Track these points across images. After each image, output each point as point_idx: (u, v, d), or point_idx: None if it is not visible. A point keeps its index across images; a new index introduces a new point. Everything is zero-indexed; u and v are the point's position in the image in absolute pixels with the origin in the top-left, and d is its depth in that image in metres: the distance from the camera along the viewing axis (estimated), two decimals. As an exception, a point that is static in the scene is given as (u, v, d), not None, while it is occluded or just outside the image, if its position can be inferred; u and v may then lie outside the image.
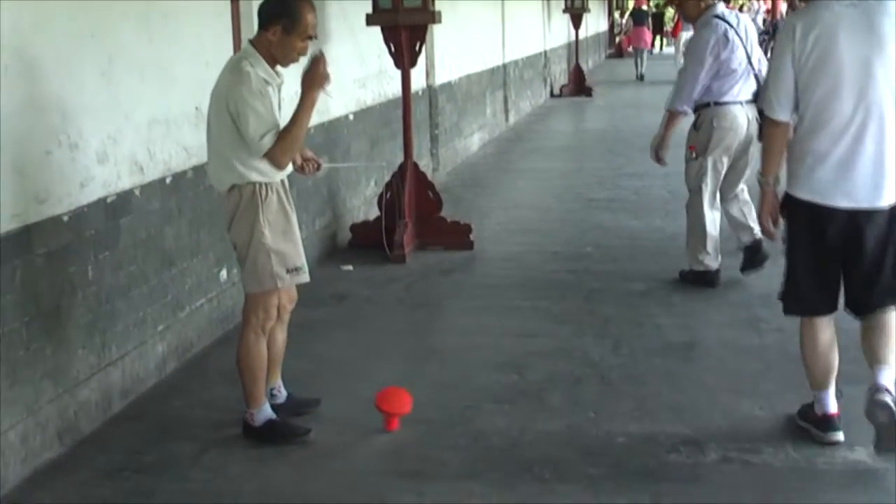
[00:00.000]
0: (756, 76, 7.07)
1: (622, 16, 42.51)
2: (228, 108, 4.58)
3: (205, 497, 4.42)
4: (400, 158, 8.99)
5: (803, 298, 4.71)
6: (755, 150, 6.86)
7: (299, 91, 4.69)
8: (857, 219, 4.49)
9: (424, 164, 10.50)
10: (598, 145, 15.33)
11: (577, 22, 24.07)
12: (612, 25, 42.55)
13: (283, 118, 4.69)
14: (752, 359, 5.88)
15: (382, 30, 8.50)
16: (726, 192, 7.38)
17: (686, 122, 7.47)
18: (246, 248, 4.76)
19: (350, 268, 8.12)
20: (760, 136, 5.37)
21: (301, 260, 4.88)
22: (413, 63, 8.73)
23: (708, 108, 7.14)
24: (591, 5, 25.64)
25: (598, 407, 5.26)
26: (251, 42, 4.73)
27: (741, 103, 7.09)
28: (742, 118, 7.08)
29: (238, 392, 5.08)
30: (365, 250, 8.50)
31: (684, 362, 5.89)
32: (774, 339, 6.08)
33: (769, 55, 6.85)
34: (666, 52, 37.83)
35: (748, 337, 6.24)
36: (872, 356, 4.63)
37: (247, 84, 4.55)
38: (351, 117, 9.12)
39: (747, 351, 6.01)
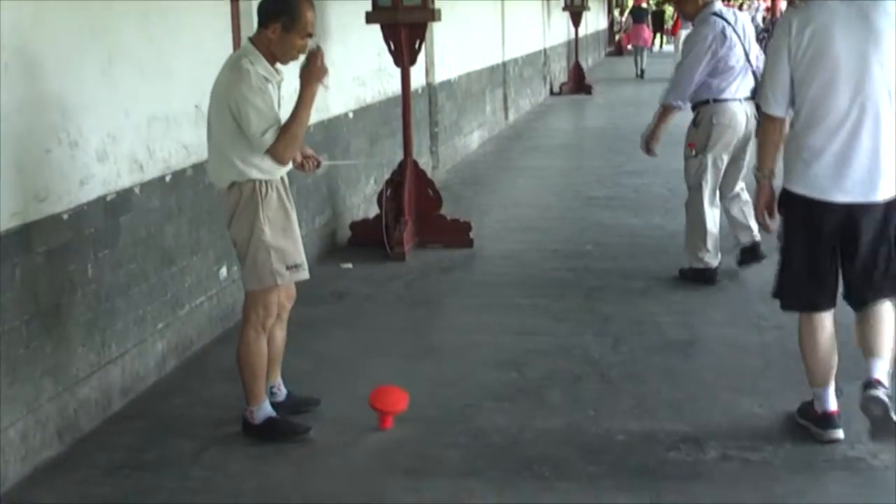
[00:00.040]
0: (754, 73, 7.08)
1: (622, 14, 42.50)
2: (229, 106, 4.59)
3: (205, 495, 4.42)
4: (400, 156, 8.99)
5: (801, 293, 4.73)
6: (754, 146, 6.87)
7: (298, 87, 4.70)
8: (854, 213, 4.51)
9: (424, 162, 10.51)
10: (597, 143, 15.33)
11: (576, 20, 24.07)
12: (611, 23, 42.54)
13: (284, 115, 4.69)
14: (752, 356, 5.88)
15: (382, 28, 8.50)
16: (725, 189, 7.39)
17: (683, 118, 7.48)
18: (246, 246, 4.77)
19: (350, 266, 8.12)
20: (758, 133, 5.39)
21: (301, 257, 4.88)
22: (413, 61, 8.73)
23: (707, 105, 7.16)
24: (590, 3, 25.64)
25: (597, 405, 5.26)
26: (251, 40, 4.74)
27: (740, 100, 7.11)
28: (741, 115, 7.09)
29: (238, 390, 5.08)
30: (365, 248, 8.50)
31: (684, 360, 5.89)
32: (774, 337, 6.08)
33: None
34: (666, 49, 37.84)
35: (748, 334, 6.24)
36: (866, 348, 4.68)
37: (246, 81, 4.56)
38: (351, 115, 9.12)
39: (747, 348, 6.01)
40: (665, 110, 7.42)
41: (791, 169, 4.64)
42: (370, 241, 8.50)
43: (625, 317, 6.69)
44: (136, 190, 5.49)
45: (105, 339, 5.21)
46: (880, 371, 4.63)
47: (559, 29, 24.59)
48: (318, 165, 5.26)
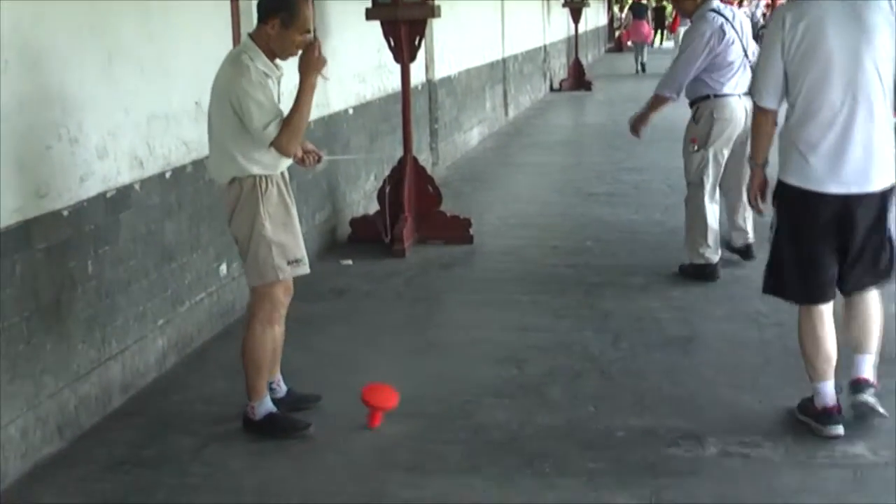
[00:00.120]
0: (752, 69, 7.10)
1: (621, 10, 42.49)
2: (230, 102, 4.59)
3: (205, 491, 4.42)
4: (399, 153, 8.99)
5: (796, 285, 4.76)
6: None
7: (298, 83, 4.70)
8: (850, 203, 4.57)
9: (424, 159, 10.50)
10: (597, 139, 15.33)
11: (576, 16, 24.07)
12: (611, 20, 42.54)
13: (284, 111, 4.69)
14: (752, 353, 5.89)
15: (382, 24, 8.49)
16: (725, 185, 7.43)
17: (680, 115, 7.49)
18: (247, 241, 4.78)
19: (350, 262, 8.12)
20: None
21: (301, 252, 4.89)
22: (412, 57, 8.73)
23: (707, 101, 7.20)
24: (590, 0, 25.61)
25: (597, 401, 5.26)
26: (250, 36, 4.74)
27: (739, 95, 7.14)
28: (740, 110, 7.12)
29: (238, 386, 5.09)
30: (365, 245, 8.50)
31: (684, 356, 5.89)
32: (774, 334, 6.08)
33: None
34: (666, 46, 37.81)
35: (748, 331, 6.24)
36: (853, 343, 4.79)
37: (246, 76, 4.57)
38: (350, 111, 9.12)
39: (747, 345, 6.01)
40: (657, 99, 7.51)
41: (787, 161, 4.68)
42: (370, 237, 8.51)
43: (625, 313, 6.69)
44: (137, 186, 5.49)
45: (105, 336, 5.21)
46: (867, 368, 4.80)
47: (559, 25, 24.60)
48: (319, 160, 5.26)
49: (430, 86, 12.39)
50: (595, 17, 33.57)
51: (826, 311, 4.74)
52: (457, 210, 9.09)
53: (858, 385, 4.83)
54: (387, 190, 8.62)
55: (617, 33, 40.52)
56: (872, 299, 4.84)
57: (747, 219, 7.60)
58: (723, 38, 7.12)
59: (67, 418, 4.87)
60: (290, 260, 4.82)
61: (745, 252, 7.68)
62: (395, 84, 9.50)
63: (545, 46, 22.42)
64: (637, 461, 4.57)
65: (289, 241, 4.82)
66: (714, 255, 7.35)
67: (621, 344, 6.11)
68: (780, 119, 4.86)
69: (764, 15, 30.93)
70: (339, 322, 6.66)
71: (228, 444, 4.86)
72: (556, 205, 10.48)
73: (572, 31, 24.90)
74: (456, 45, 13.49)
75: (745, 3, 33.70)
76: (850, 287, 4.77)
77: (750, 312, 6.54)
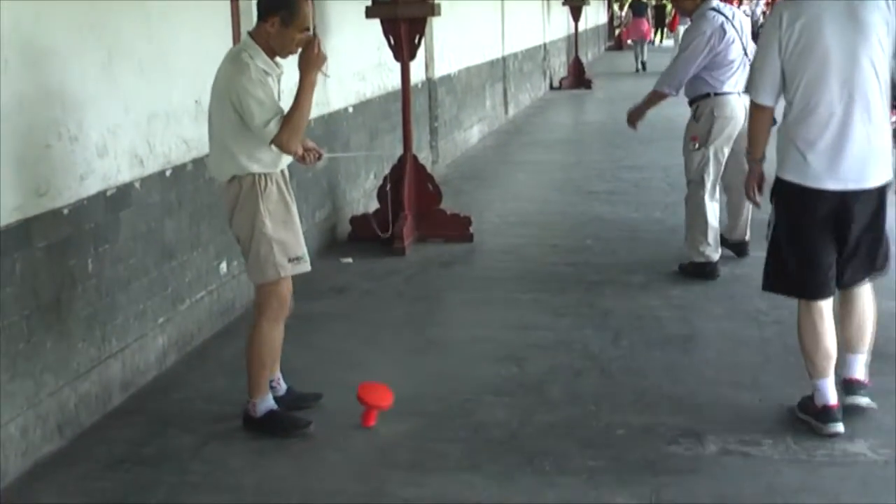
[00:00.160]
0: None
1: (621, 8, 42.47)
2: (230, 100, 4.60)
3: (205, 489, 4.42)
4: (399, 151, 8.99)
5: (793, 276, 4.78)
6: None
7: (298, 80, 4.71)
8: (847, 200, 4.61)
9: (424, 157, 10.50)
10: (597, 138, 15.32)
11: (576, 14, 24.07)
12: (611, 18, 42.53)
13: (285, 109, 4.69)
14: (752, 351, 5.89)
15: (382, 22, 8.49)
16: (726, 183, 7.45)
17: (679, 113, 7.49)
18: (248, 240, 4.79)
19: (350, 260, 8.12)
20: None
21: (302, 249, 4.89)
22: (412, 56, 8.73)
23: (707, 99, 7.21)
24: (590, -2, 25.64)
25: (597, 399, 5.26)
26: (250, 34, 4.75)
27: (738, 93, 7.16)
28: (740, 108, 7.13)
29: (238, 384, 5.09)
30: (365, 243, 8.50)
31: (684, 354, 5.89)
32: (774, 332, 6.08)
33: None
34: (666, 44, 37.80)
35: (748, 329, 6.25)
36: (846, 341, 4.86)
37: (246, 74, 4.58)
38: (350, 110, 9.12)
39: (747, 343, 6.02)
40: (656, 95, 7.55)
41: (785, 158, 4.71)
42: (370, 235, 8.51)
43: (625, 311, 6.69)
44: (137, 185, 5.49)
45: (105, 334, 5.21)
46: (860, 368, 4.91)
47: (559, 24, 24.59)
48: (320, 158, 5.26)
49: (430, 84, 12.39)
50: (595, 15, 33.57)
51: (826, 307, 4.75)
52: (457, 208, 9.10)
53: (851, 386, 4.90)
54: (387, 188, 8.62)
55: (617, 31, 40.50)
56: (867, 295, 4.89)
57: (747, 217, 7.65)
58: (723, 37, 7.15)
59: (67, 416, 4.87)
60: (291, 257, 4.83)
61: (740, 248, 7.75)
62: (394, 82, 9.49)
63: (545, 45, 22.42)
64: (637, 459, 4.57)
65: (289, 238, 4.83)
66: (714, 253, 7.36)
67: (621, 342, 6.11)
68: (779, 116, 4.89)
69: (764, 13, 30.92)
70: (340, 320, 6.66)
71: (228, 442, 4.86)
72: (556, 203, 10.48)
73: (572, 30, 24.90)
74: (456, 43, 13.49)
75: (745, 1, 33.68)
76: (845, 282, 4.80)
77: (750, 311, 6.55)
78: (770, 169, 4.88)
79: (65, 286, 4.88)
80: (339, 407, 5.13)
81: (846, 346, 4.87)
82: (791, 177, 4.68)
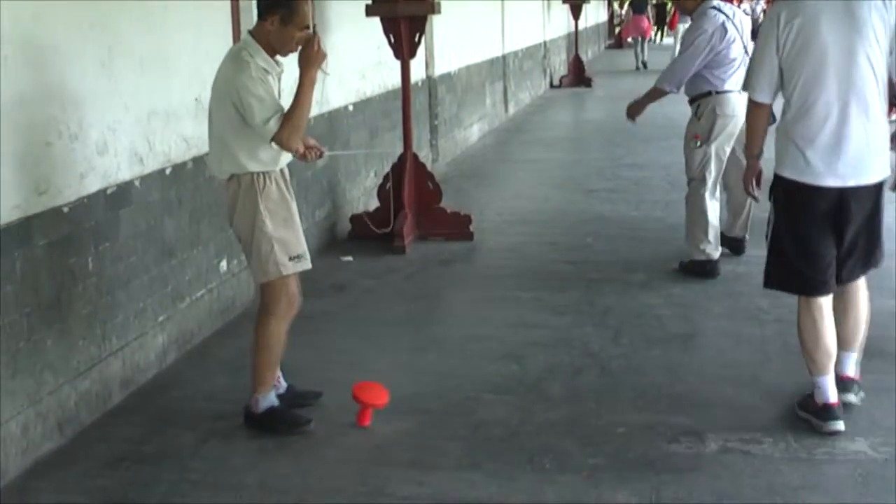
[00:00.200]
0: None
1: (621, 6, 42.45)
2: (231, 98, 4.61)
3: (205, 488, 4.42)
4: (400, 149, 8.99)
5: (794, 273, 4.79)
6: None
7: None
8: (846, 196, 4.64)
9: (424, 155, 10.50)
10: (597, 136, 15.31)
11: (576, 13, 24.03)
12: (611, 16, 42.51)
13: (285, 107, 4.69)
14: (753, 349, 5.89)
15: (382, 20, 8.49)
16: (726, 182, 7.46)
17: (680, 111, 7.49)
18: (249, 239, 4.80)
19: (350, 258, 8.12)
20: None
21: (302, 248, 4.89)
22: (412, 54, 8.72)
23: (709, 97, 7.22)
24: (590, -4, 25.62)
25: (598, 397, 5.26)
26: (250, 33, 4.76)
27: (739, 91, 7.16)
28: (741, 106, 7.10)
29: (239, 382, 5.10)
30: (365, 241, 8.50)
31: (684, 353, 5.89)
32: (774, 330, 6.08)
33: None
34: (666, 42, 37.77)
35: (748, 327, 6.24)
36: (842, 341, 4.89)
37: (246, 72, 4.58)
38: (351, 108, 9.11)
39: (747, 341, 6.01)
40: (657, 91, 7.57)
41: (783, 156, 4.74)
42: (370, 233, 8.51)
43: (625, 309, 6.69)
44: (137, 183, 5.49)
45: (105, 332, 5.21)
46: (851, 366, 4.98)
47: (559, 22, 24.58)
48: (321, 155, 5.27)
49: (430, 82, 12.38)
50: (595, 13, 33.56)
51: (826, 303, 4.77)
52: (457, 206, 9.09)
53: (844, 383, 4.92)
54: (387, 186, 8.62)
55: (617, 30, 40.47)
56: (863, 292, 4.95)
57: (748, 215, 7.69)
58: (724, 36, 7.17)
59: (68, 415, 4.87)
60: (292, 256, 4.83)
61: (737, 244, 7.77)
62: (395, 80, 9.49)
63: (545, 43, 22.40)
64: (637, 457, 4.57)
65: (290, 237, 4.83)
66: (715, 251, 7.36)
67: (621, 340, 6.11)
68: (778, 114, 4.94)
69: (764, 12, 30.89)
70: (340, 318, 6.66)
71: (229, 440, 4.86)
72: (557, 201, 10.48)
73: (572, 28, 24.87)
74: (456, 41, 13.48)
75: (745, 0, 33.64)
76: (843, 279, 4.82)
77: (750, 309, 6.55)
78: (768, 167, 4.90)
79: (65, 284, 4.88)
80: (340, 405, 5.12)
81: (842, 343, 4.88)
82: (790, 174, 4.70)
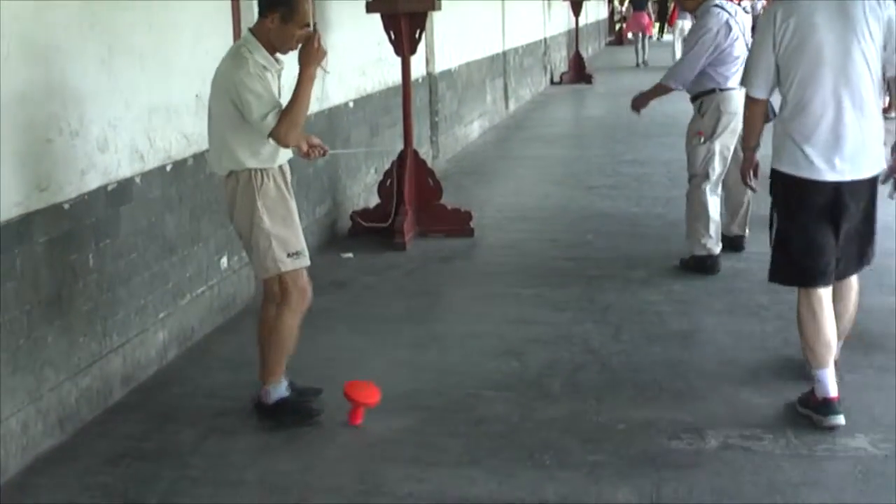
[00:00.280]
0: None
1: (622, 3, 42.42)
2: (229, 95, 4.62)
3: (205, 484, 4.42)
4: (400, 146, 8.99)
5: (796, 265, 4.85)
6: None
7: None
8: (842, 191, 4.72)
9: (424, 152, 10.50)
10: (598, 132, 15.31)
11: (576, 9, 24.03)
12: (611, 13, 42.49)
13: (284, 104, 4.69)
14: (753, 346, 5.89)
15: (382, 17, 8.49)
16: (727, 181, 7.48)
17: (681, 109, 7.49)
18: (248, 235, 4.82)
19: (350, 255, 8.12)
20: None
21: (301, 245, 4.90)
22: (413, 50, 8.72)
23: (713, 94, 7.25)
24: (590, -7, 25.61)
25: (598, 394, 5.26)
26: (251, 30, 4.77)
27: (741, 89, 7.16)
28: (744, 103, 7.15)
29: (240, 379, 5.11)
30: (365, 238, 8.51)
31: (685, 349, 5.89)
32: (775, 327, 6.08)
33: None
34: (666, 39, 37.76)
35: (749, 324, 6.24)
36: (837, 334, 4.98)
37: (245, 68, 4.60)
38: (351, 105, 9.11)
39: (748, 338, 6.01)
40: (661, 87, 7.59)
41: (781, 151, 4.83)
42: (371, 230, 8.51)
43: (625, 306, 6.69)
44: (137, 179, 5.49)
45: (106, 329, 5.22)
46: (836, 353, 5.04)
47: (559, 18, 24.57)
48: (325, 154, 5.28)
49: (431, 79, 12.38)
50: (595, 10, 33.56)
51: (825, 295, 4.82)
52: (457, 203, 9.09)
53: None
54: (388, 183, 8.63)
55: (618, 27, 40.44)
56: (855, 287, 5.07)
57: (746, 212, 7.74)
58: (729, 33, 7.21)
59: (68, 411, 4.88)
60: (290, 252, 4.84)
61: (737, 243, 7.78)
62: (395, 77, 9.48)
63: (545, 39, 22.39)
64: (638, 454, 4.57)
65: (288, 234, 4.84)
66: (716, 246, 7.37)
67: (622, 337, 6.11)
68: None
69: (764, 9, 30.86)
70: (340, 315, 6.66)
71: (229, 437, 4.86)
72: (557, 198, 10.48)
73: (573, 25, 24.87)
74: (456, 38, 13.48)
75: (745, -3, 33.61)
76: (839, 274, 4.90)
77: (751, 306, 6.55)
78: (766, 163, 4.97)
79: (66, 281, 4.88)
80: (340, 402, 5.11)
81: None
82: (787, 169, 4.79)
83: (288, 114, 4.62)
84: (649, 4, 30.08)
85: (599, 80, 22.99)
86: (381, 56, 9.79)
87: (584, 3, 24.63)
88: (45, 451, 4.68)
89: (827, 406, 4.73)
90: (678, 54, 23.85)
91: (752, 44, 5.09)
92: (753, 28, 7.62)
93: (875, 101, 4.75)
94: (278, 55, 4.77)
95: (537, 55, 21.40)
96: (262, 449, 4.73)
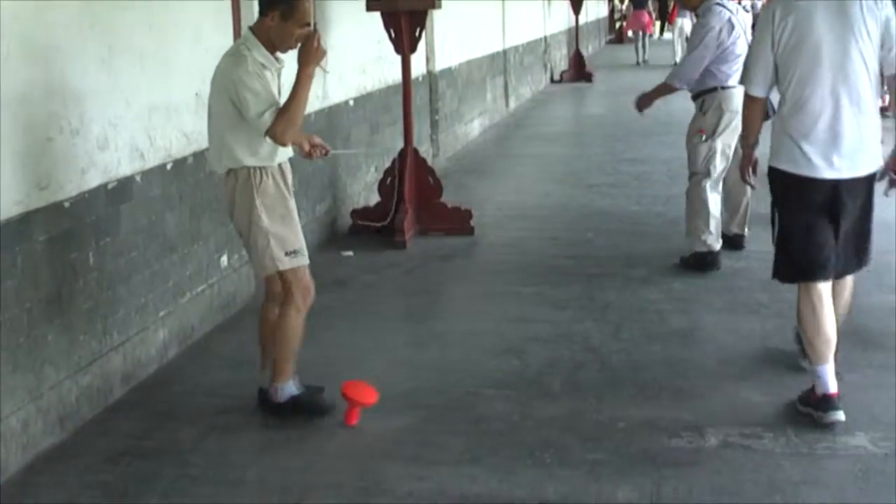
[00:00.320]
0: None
1: (622, 1, 42.41)
2: (228, 93, 4.63)
3: (205, 483, 4.42)
4: (400, 144, 8.98)
5: (796, 259, 4.87)
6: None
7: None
8: (839, 188, 4.76)
9: (425, 150, 10.50)
10: (598, 131, 15.30)
11: (577, 7, 24.02)
12: (612, 11, 42.47)
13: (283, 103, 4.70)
14: (753, 344, 5.89)
15: (382, 15, 8.48)
16: (727, 181, 7.49)
17: (683, 108, 7.49)
18: (247, 233, 4.83)
19: (350, 253, 8.12)
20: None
21: (299, 243, 4.90)
22: (413, 49, 8.72)
23: (715, 93, 7.26)
24: (591, -9, 25.60)
25: (598, 392, 5.26)
26: (251, 29, 4.78)
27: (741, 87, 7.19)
28: (745, 102, 7.17)
29: (240, 377, 5.11)
30: (365, 236, 8.50)
31: (685, 348, 5.89)
32: (775, 325, 6.08)
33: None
34: (667, 37, 37.74)
35: (749, 322, 6.25)
36: None
37: (243, 66, 4.61)
38: (351, 103, 9.11)
39: (748, 336, 6.02)
40: (666, 87, 7.61)
41: (779, 149, 4.87)
42: (370, 229, 8.51)
43: (625, 304, 6.69)
44: (137, 178, 5.49)
45: (106, 327, 5.22)
46: None
47: (559, 17, 24.56)
48: (327, 154, 5.28)
49: (431, 77, 12.38)
50: (595, 8, 33.55)
51: (825, 291, 4.84)
52: (457, 201, 9.09)
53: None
54: (388, 181, 8.63)
55: (618, 25, 40.42)
56: (849, 287, 5.10)
57: (745, 211, 7.75)
58: (731, 31, 7.23)
59: (68, 410, 4.88)
60: (288, 251, 4.85)
61: (736, 241, 7.79)
62: (395, 75, 9.49)
63: (546, 38, 22.38)
64: (638, 452, 4.57)
65: (287, 233, 4.84)
66: (716, 242, 7.37)
67: (622, 335, 6.12)
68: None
69: (764, 7, 30.83)
70: (340, 313, 6.65)
71: (229, 435, 4.86)
72: (557, 196, 10.48)
73: (573, 23, 24.85)
74: (457, 36, 13.48)
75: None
76: (837, 274, 4.92)
77: (751, 304, 6.55)
78: (764, 160, 5.00)
79: (66, 279, 4.88)
80: (341, 400, 5.11)
81: None
82: (786, 166, 4.83)
83: (285, 112, 4.62)
84: (649, 3, 30.06)
85: (599, 78, 22.99)
86: (381, 54, 9.79)
87: (585, 2, 24.63)
88: (46, 450, 4.68)
89: (827, 402, 4.74)
90: (678, 52, 23.90)
91: (751, 42, 5.14)
92: (753, 26, 7.65)
93: (872, 99, 4.79)
94: (278, 54, 4.78)
95: (538, 53, 21.39)
96: (263, 447, 4.73)
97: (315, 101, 7.93)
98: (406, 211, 8.47)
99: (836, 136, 4.71)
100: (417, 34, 8.62)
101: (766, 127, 5.10)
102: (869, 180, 4.82)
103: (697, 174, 7.35)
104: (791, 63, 4.78)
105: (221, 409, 5.13)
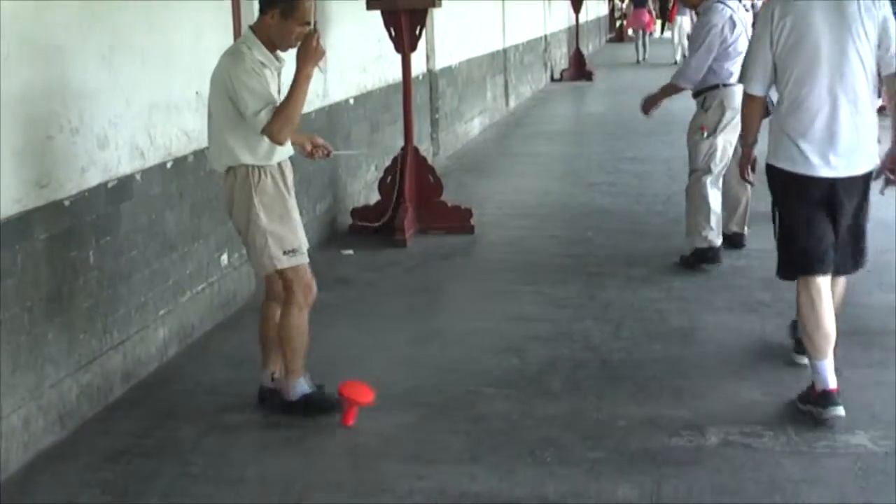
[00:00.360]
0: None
1: (622, 0, 42.41)
2: (226, 91, 4.63)
3: (205, 481, 4.42)
4: (400, 143, 8.98)
5: (796, 252, 4.89)
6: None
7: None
8: (837, 187, 4.81)
9: (425, 149, 10.49)
10: (598, 129, 15.31)
11: (577, 6, 24.02)
12: (612, 10, 42.47)
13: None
14: (753, 343, 5.89)
15: (382, 14, 8.48)
16: (727, 181, 7.50)
17: (684, 107, 7.49)
18: (246, 231, 4.83)
19: (351, 252, 8.12)
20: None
21: (298, 242, 4.90)
22: (413, 47, 8.72)
23: (716, 90, 7.26)
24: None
25: (598, 391, 5.26)
26: (251, 27, 4.78)
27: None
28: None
29: (240, 375, 5.12)
30: (365, 235, 8.50)
31: (685, 346, 5.89)
32: (775, 324, 6.08)
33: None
34: (667, 36, 37.73)
35: (749, 321, 6.25)
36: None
37: (241, 64, 4.61)
38: (351, 101, 9.11)
39: (748, 335, 6.02)
40: (671, 87, 7.63)
41: (777, 147, 4.91)
42: (370, 228, 8.52)
43: (626, 303, 6.69)
44: (138, 177, 5.49)
45: (107, 326, 5.22)
46: None
47: (560, 15, 24.56)
48: (328, 155, 5.28)
49: (431, 76, 12.38)
50: (596, 7, 33.55)
51: (824, 285, 4.85)
52: (458, 200, 9.09)
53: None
54: (388, 180, 8.63)
55: (618, 24, 40.42)
56: (842, 283, 5.15)
57: (745, 209, 7.77)
58: (733, 29, 7.24)
59: (69, 408, 4.88)
60: (286, 250, 4.84)
61: (736, 240, 7.81)
62: (395, 74, 9.49)
63: (546, 36, 22.39)
64: (638, 451, 4.57)
65: (285, 232, 4.84)
66: (717, 238, 7.38)
67: (622, 334, 6.12)
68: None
69: (763, 6, 30.80)
70: (341, 311, 6.65)
71: (230, 434, 4.86)
72: (557, 194, 10.47)
73: (573, 22, 24.85)
74: (457, 35, 13.48)
75: (745, -5, 33.54)
76: (834, 270, 4.95)
77: (751, 303, 6.55)
78: (762, 159, 5.02)
79: (66, 278, 4.88)
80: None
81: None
82: (783, 165, 4.87)
83: (282, 111, 4.62)
84: (650, 1, 30.06)
85: (600, 76, 23.00)
86: (381, 53, 9.79)
87: (585, 0, 24.62)
88: (46, 448, 4.68)
89: (826, 398, 4.74)
90: (678, 50, 23.90)
91: (750, 41, 5.17)
92: (754, 25, 7.65)
93: (869, 98, 4.82)
94: (279, 53, 4.77)
95: (538, 52, 21.40)
96: (263, 446, 4.73)
97: (315, 99, 7.93)
98: (406, 209, 8.47)
99: (833, 135, 4.75)
100: (418, 33, 8.62)
101: (765, 125, 5.11)
102: (865, 179, 4.86)
103: (698, 171, 7.35)
104: (789, 62, 4.81)
105: (222, 407, 5.13)
